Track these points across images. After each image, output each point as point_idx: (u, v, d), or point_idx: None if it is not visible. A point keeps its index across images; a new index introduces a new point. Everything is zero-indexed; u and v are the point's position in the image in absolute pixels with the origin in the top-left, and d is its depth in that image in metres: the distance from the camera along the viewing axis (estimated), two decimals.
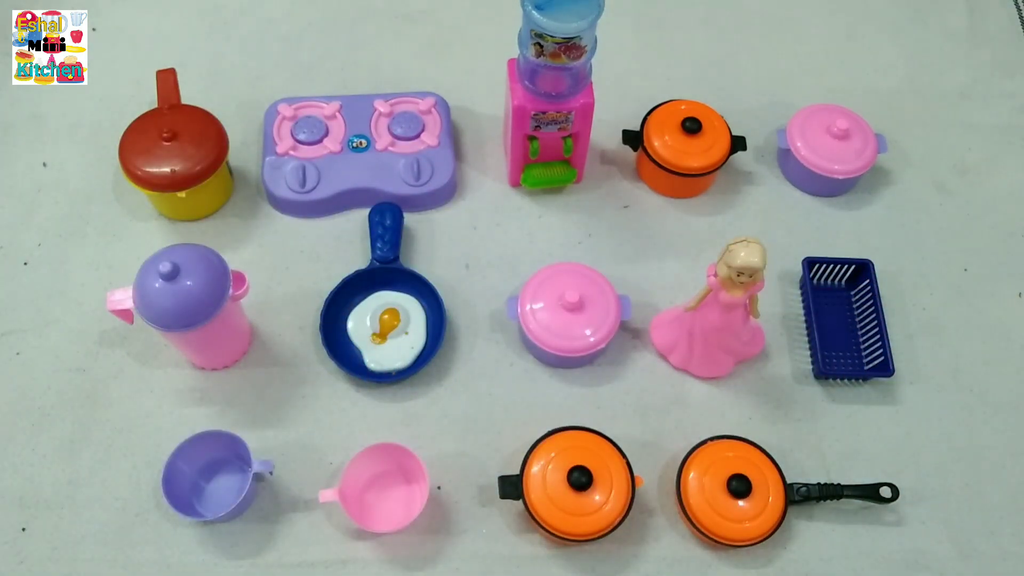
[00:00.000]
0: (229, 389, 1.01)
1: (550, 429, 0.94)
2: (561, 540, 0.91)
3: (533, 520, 0.89)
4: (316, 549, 0.92)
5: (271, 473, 0.94)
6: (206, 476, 0.95)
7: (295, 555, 0.92)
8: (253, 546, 0.92)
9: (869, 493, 0.95)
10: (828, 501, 0.95)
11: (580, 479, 0.89)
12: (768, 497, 0.92)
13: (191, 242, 1.08)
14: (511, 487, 0.91)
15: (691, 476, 0.93)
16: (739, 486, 0.91)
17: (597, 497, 0.89)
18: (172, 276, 0.87)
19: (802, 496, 0.93)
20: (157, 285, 0.88)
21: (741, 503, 0.91)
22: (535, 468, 0.91)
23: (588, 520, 0.89)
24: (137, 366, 1.02)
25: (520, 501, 0.90)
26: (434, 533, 0.94)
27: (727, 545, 0.92)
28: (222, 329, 0.95)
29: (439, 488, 0.96)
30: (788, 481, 0.94)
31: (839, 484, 0.94)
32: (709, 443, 0.95)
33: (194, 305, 0.89)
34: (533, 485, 0.90)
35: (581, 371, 1.04)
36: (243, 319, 1.02)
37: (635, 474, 0.92)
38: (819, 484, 0.94)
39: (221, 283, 0.91)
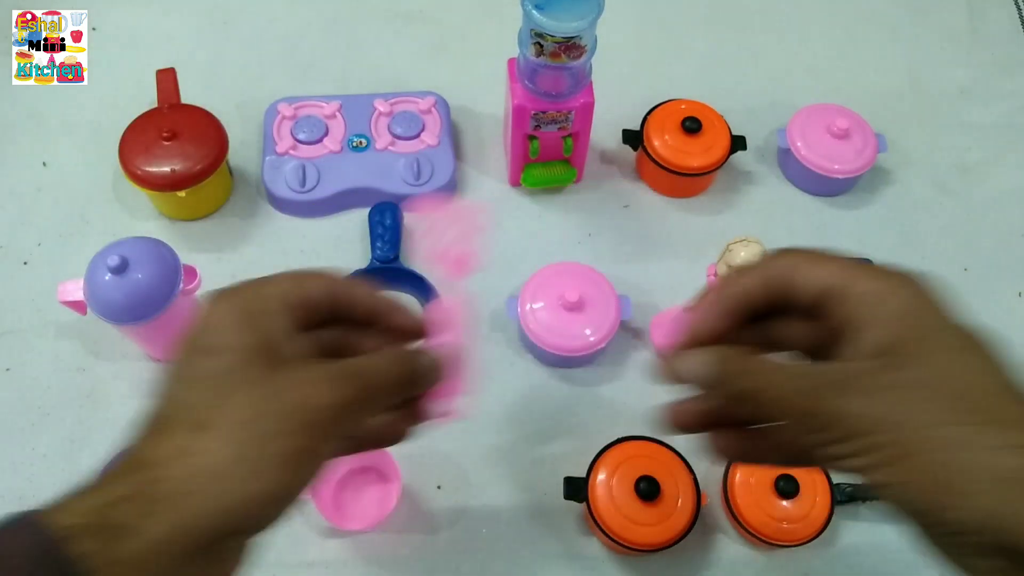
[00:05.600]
0: None
1: (619, 437, 0.93)
2: (621, 548, 0.90)
3: (594, 523, 0.89)
4: (312, 549, 0.92)
5: None
6: None
7: (294, 555, 0.92)
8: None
9: None
10: (875, 501, 0.93)
11: (648, 489, 0.88)
12: (815, 497, 0.91)
13: (191, 242, 1.09)
14: (575, 489, 0.91)
15: (737, 476, 0.92)
16: (787, 486, 0.90)
17: (660, 509, 0.89)
18: (120, 269, 0.88)
19: (847, 496, 0.92)
20: (106, 278, 0.88)
21: (785, 503, 0.90)
22: (601, 474, 0.90)
23: (652, 530, 0.88)
24: (137, 366, 1.02)
25: (583, 504, 0.90)
26: (433, 533, 0.94)
27: (775, 546, 0.91)
28: (174, 323, 0.95)
29: (439, 488, 0.96)
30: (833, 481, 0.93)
31: None
32: None
33: (143, 298, 0.89)
34: (599, 490, 0.90)
35: (581, 371, 1.04)
36: None
37: (702, 491, 0.91)
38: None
39: (171, 277, 0.91)
